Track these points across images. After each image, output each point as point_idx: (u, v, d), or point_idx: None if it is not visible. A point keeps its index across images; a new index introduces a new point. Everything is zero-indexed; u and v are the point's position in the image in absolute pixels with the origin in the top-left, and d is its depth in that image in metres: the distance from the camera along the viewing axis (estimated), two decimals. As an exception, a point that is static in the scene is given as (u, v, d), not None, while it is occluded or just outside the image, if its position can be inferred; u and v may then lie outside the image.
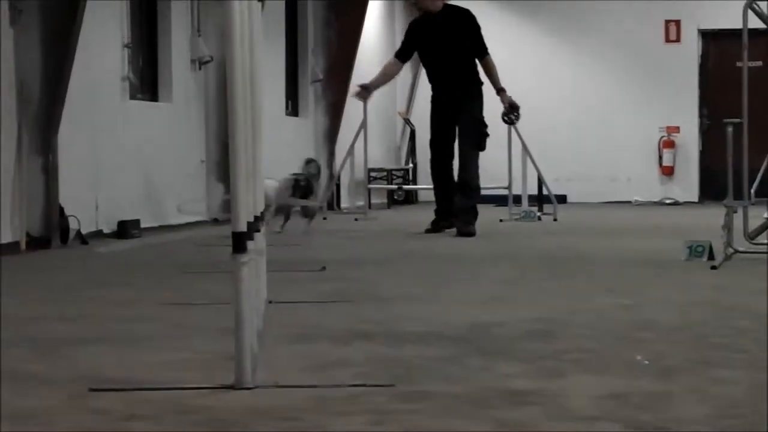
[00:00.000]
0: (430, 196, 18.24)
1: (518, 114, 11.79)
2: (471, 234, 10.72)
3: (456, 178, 11.30)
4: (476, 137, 10.99)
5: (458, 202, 11.03)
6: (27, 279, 7.75)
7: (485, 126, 11.11)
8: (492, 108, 11.54)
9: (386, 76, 12.03)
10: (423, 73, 20.08)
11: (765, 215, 9.31)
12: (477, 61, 11.20)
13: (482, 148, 11.07)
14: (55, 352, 4.54)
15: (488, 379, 3.91)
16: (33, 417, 3.37)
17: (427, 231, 11.26)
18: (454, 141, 11.18)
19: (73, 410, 3.46)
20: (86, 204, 10.78)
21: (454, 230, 10.92)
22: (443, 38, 11.11)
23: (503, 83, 11.29)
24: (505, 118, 12.05)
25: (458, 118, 11.06)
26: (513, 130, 13.61)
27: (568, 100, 19.74)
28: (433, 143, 11.40)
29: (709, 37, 19.90)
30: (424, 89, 20.08)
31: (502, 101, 11.44)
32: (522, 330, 5.05)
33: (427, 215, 11.58)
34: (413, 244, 10.52)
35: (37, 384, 3.85)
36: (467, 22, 11.22)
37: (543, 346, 4.64)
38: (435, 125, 11.36)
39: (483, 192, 11.54)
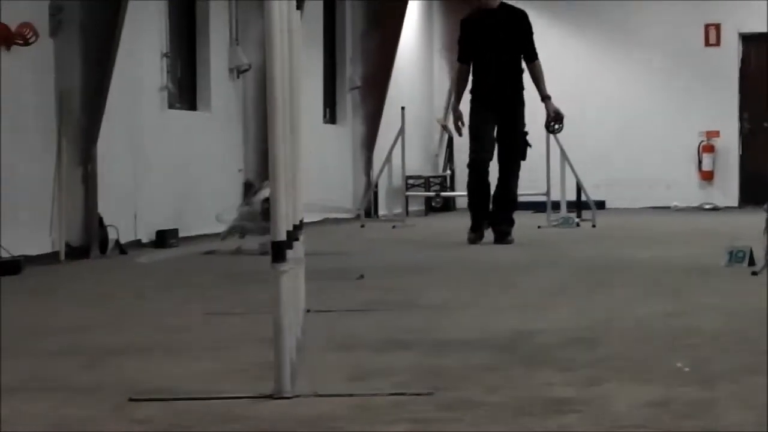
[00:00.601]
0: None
1: (562, 124, 11.40)
2: (510, 242, 10.67)
3: (495, 186, 10.97)
4: (519, 149, 10.82)
5: (498, 213, 10.86)
6: (67, 289, 7.79)
7: (527, 135, 10.93)
8: (532, 113, 11.24)
9: (462, 84, 11.28)
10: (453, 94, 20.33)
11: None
12: (524, 64, 10.96)
13: (524, 158, 10.93)
14: (96, 362, 4.56)
15: (530, 388, 3.90)
16: (76, 427, 3.38)
17: (471, 242, 10.90)
18: (494, 146, 10.90)
19: (116, 420, 3.47)
20: (125, 214, 10.83)
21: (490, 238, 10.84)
22: (497, 37, 10.80)
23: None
24: (549, 127, 11.61)
25: (502, 127, 10.82)
26: (552, 136, 13.51)
27: (607, 106, 19.68)
28: (477, 154, 10.90)
29: (749, 40, 19.79)
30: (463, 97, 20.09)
31: (547, 109, 11.14)
32: (563, 337, 5.03)
33: (465, 222, 11.51)
34: (452, 252, 10.50)
35: (80, 394, 3.86)
36: (522, 23, 10.97)
37: (584, 353, 4.61)
38: (479, 134, 10.87)
39: (521, 198, 11.48)
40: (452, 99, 11.40)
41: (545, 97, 10.99)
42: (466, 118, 11.08)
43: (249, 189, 8.85)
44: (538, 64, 10.92)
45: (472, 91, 11.01)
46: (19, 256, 8.80)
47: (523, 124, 10.90)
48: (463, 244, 11.12)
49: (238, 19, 13.33)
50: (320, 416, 3.45)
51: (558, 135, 13.43)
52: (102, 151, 10.24)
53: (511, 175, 10.83)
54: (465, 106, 11.14)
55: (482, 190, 10.95)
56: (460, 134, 11.34)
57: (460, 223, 15.42)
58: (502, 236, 10.73)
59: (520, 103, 10.88)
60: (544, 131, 12.87)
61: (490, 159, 10.89)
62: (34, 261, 9.10)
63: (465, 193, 17.72)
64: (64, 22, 9.93)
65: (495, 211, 10.89)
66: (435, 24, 20.60)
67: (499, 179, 10.91)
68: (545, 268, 8.72)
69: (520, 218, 11.36)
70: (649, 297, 6.65)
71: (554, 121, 11.30)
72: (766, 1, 18.02)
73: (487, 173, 10.88)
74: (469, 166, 11.09)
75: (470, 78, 11.05)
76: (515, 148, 10.78)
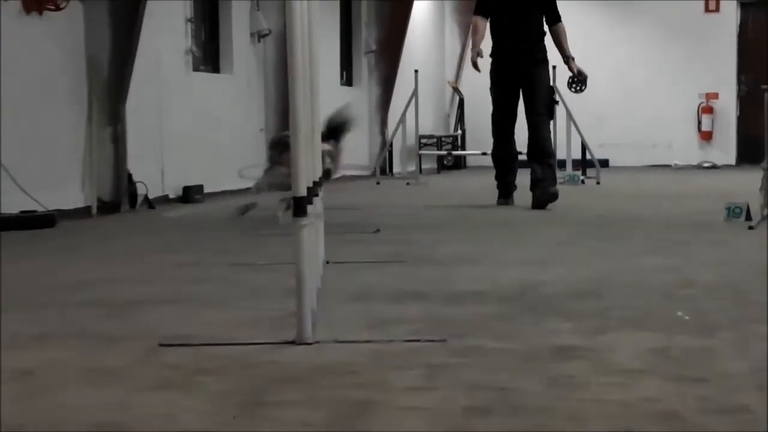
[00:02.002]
0: (478, 161, 18.32)
1: (586, 84, 10.91)
2: (556, 196, 9.94)
3: (528, 146, 10.20)
4: (549, 103, 10.28)
5: (539, 172, 9.98)
6: (99, 242, 7.82)
7: (554, 92, 10.48)
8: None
9: (480, 34, 10.39)
10: (470, 43, 20.23)
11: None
12: (547, 27, 10.31)
13: (551, 116, 10.49)
14: (128, 311, 4.58)
15: (537, 336, 3.91)
16: (111, 373, 3.40)
17: (501, 204, 10.36)
18: (517, 108, 10.24)
19: (147, 365, 3.49)
20: (153, 171, 10.87)
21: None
22: None
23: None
24: (572, 86, 11.17)
25: (528, 83, 10.12)
26: (558, 97, 13.31)
27: (611, 70, 19.62)
28: (499, 110, 10.25)
29: (747, 6, 19.75)
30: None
31: (570, 69, 10.58)
32: (569, 289, 5.04)
33: (475, 180, 11.49)
34: (463, 208, 10.49)
35: (114, 342, 3.89)
36: None
37: (589, 304, 4.62)
38: (500, 96, 10.23)
39: (524, 156, 10.88)
40: (470, 47, 10.61)
41: (568, 58, 10.41)
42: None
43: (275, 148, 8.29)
44: (562, 26, 10.32)
45: (492, 52, 10.33)
46: (53, 210, 8.84)
47: (549, 81, 10.38)
48: (474, 201, 11.11)
49: (259, -14, 13.30)
50: (339, 362, 3.47)
51: (564, 97, 13.39)
52: (130, 112, 10.25)
53: (541, 130, 10.11)
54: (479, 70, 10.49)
55: (508, 159, 10.36)
56: (477, 68, 10.29)
57: (470, 180, 15.43)
58: (545, 197, 9.86)
59: (543, 60, 10.21)
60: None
61: (513, 120, 10.24)
62: (67, 215, 9.15)
63: (475, 151, 17.78)
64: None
65: (533, 170, 10.02)
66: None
67: (530, 138, 10.17)
68: (551, 223, 8.71)
69: (528, 176, 10.53)
70: (651, 251, 6.65)
71: (578, 80, 10.87)
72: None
73: (512, 141, 10.34)
74: (494, 134, 10.40)
75: (490, 39, 10.38)
76: (541, 104, 10.12)
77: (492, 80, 10.29)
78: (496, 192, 10.64)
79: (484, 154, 15.94)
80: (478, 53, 10.26)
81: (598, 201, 11.20)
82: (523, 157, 10.44)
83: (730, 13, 19.85)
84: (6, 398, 3.09)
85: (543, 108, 10.14)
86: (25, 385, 3.25)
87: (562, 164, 14.52)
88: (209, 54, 12.71)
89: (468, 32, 20.74)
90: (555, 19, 10.30)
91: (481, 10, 10.42)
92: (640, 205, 10.63)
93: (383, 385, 3.17)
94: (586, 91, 11.32)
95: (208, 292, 5.14)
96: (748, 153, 18.74)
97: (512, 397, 3.01)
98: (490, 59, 10.30)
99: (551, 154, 10.32)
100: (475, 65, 10.27)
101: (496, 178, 10.49)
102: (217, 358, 3.57)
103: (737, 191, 10.39)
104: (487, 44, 10.43)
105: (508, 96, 10.16)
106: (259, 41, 13.32)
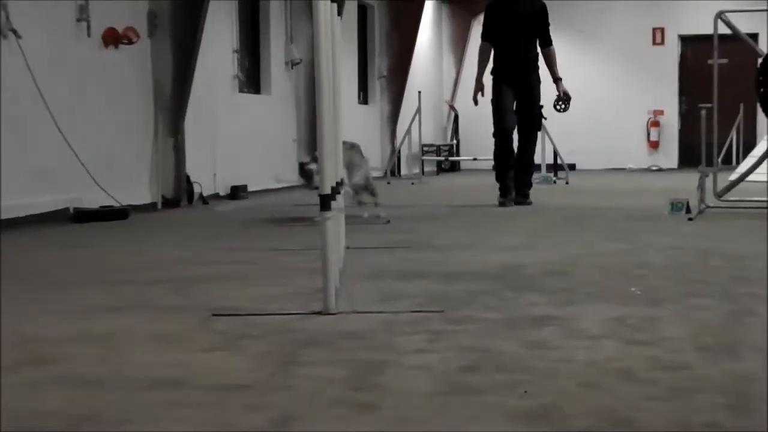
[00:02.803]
0: (470, 165, 18.29)
1: (569, 104, 10.17)
2: (529, 204, 9.71)
3: (516, 154, 9.81)
4: (538, 122, 9.90)
5: (519, 179, 9.75)
6: (162, 232, 7.83)
7: (542, 108, 9.99)
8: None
9: (485, 61, 9.83)
10: (466, 65, 20.16)
11: (730, 178, 9.21)
12: (539, 49, 9.80)
13: (539, 129, 10.06)
14: (187, 287, 4.59)
15: (517, 307, 3.90)
16: (172, 337, 3.41)
17: (502, 205, 9.62)
18: (515, 118, 9.67)
19: (201, 331, 3.50)
20: (206, 173, 10.88)
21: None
22: (519, 22, 9.63)
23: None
24: (558, 105, 10.31)
25: (524, 101, 9.65)
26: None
27: (578, 90, 19.39)
28: (501, 124, 9.67)
29: (686, 40, 19.67)
30: (465, 80, 19.98)
31: (558, 89, 10.05)
32: (544, 269, 5.03)
33: (468, 180, 11.45)
34: (458, 204, 10.48)
35: (175, 312, 3.89)
36: (542, 12, 9.75)
37: (560, 281, 4.62)
38: (501, 106, 9.66)
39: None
40: (476, 72, 9.85)
41: (557, 79, 9.93)
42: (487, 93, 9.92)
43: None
44: (552, 49, 9.83)
45: (493, 71, 9.79)
46: (126, 205, 8.85)
47: (539, 99, 9.82)
48: (467, 197, 11.08)
49: (292, 24, 13.29)
50: (357, 329, 3.47)
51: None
52: (188, 126, 10.26)
53: (530, 143, 9.79)
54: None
55: (507, 157, 9.75)
56: (476, 103, 9.82)
57: (464, 180, 15.40)
58: (522, 198, 9.74)
59: (537, 81, 9.72)
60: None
61: (513, 128, 9.70)
62: (138, 209, 9.15)
63: (467, 157, 17.75)
64: (159, 25, 9.92)
65: (515, 176, 9.77)
66: (444, 26, 20.47)
67: (519, 148, 9.82)
68: (529, 216, 8.69)
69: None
70: (610, 238, 6.64)
71: (563, 100, 10.21)
72: (701, 9, 17.83)
73: (511, 141, 9.73)
74: (495, 135, 9.73)
75: (492, 57, 9.84)
76: (533, 119, 9.73)
77: (493, 94, 9.76)
78: (486, 190, 10.50)
79: (474, 159, 16.00)
80: (480, 89, 9.78)
81: (567, 198, 11.17)
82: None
83: (673, 46, 19.79)
84: (90, 357, 3.10)
85: (534, 123, 9.78)
86: (105, 346, 3.26)
87: (537, 168, 14.48)
88: (251, 78, 12.71)
89: (461, 60, 20.78)
90: (547, 42, 9.80)
91: (487, 37, 9.85)
92: (601, 200, 10.61)
93: (393, 347, 3.18)
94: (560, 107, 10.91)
95: (251, 272, 5.14)
96: (688, 158, 18.75)
97: (497, 357, 3.01)
98: (491, 77, 9.85)
99: (532, 165, 9.95)
100: (476, 100, 9.83)
101: (497, 179, 9.85)
102: (257, 325, 3.57)
103: (679, 189, 10.36)
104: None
105: (507, 109, 9.66)
106: (292, 68, 13.31)
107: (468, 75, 20.05)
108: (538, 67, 9.76)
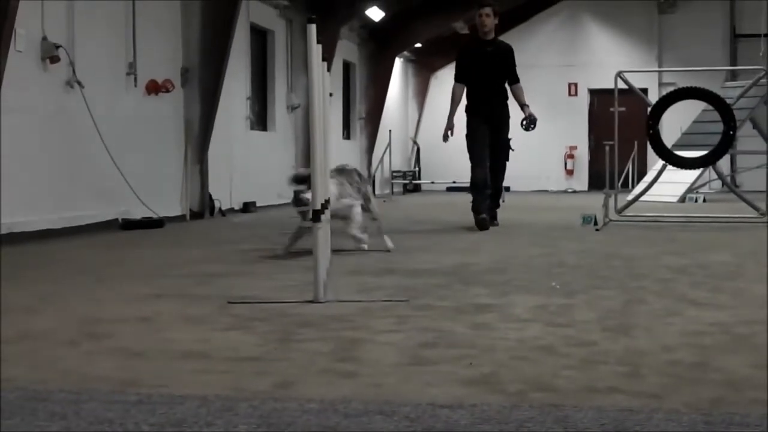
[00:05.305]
0: (429, 187, 18.30)
1: (535, 125, 8.68)
2: (496, 225, 8.55)
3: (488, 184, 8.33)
4: (508, 154, 8.68)
5: (490, 205, 8.49)
6: (190, 237, 7.80)
7: (510, 140, 8.76)
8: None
9: (457, 101, 8.41)
10: (426, 110, 20.20)
11: (627, 198, 9.26)
12: (508, 86, 8.54)
13: (507, 159, 8.76)
14: (209, 280, 4.57)
15: (465, 297, 3.91)
16: (198, 319, 3.39)
17: (481, 228, 8.07)
18: (488, 159, 8.31)
19: (220, 315, 3.48)
20: (224, 191, 10.82)
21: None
22: (490, 64, 8.35)
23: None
24: (524, 124, 8.61)
25: (496, 136, 8.39)
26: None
27: (513, 130, 19.61)
28: (478, 156, 8.25)
29: (594, 93, 19.82)
30: (426, 121, 19.99)
31: (525, 113, 8.51)
32: (485, 268, 5.04)
33: (428, 199, 11.36)
34: (421, 218, 10.48)
35: (200, 300, 3.87)
36: (509, 54, 8.47)
37: (498, 277, 4.63)
38: (477, 140, 8.29)
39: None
40: (449, 110, 8.33)
41: (524, 105, 8.49)
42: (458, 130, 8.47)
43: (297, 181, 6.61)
44: (519, 85, 8.59)
45: (467, 108, 8.44)
46: (162, 216, 8.80)
47: (508, 132, 8.60)
48: (428, 212, 11.06)
49: (292, 76, 13.27)
50: (341, 314, 3.46)
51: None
52: (211, 155, 10.22)
53: (500, 173, 8.50)
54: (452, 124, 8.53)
55: (484, 202, 8.26)
56: (445, 140, 8.37)
57: (424, 199, 15.38)
58: (492, 219, 8.47)
59: (507, 116, 8.47)
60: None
61: (487, 165, 8.29)
62: (171, 220, 9.10)
63: (426, 181, 17.77)
64: (189, 78, 9.89)
65: (488, 202, 8.43)
66: (409, 80, 20.49)
67: (493, 177, 8.40)
68: (474, 228, 8.65)
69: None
70: (535, 243, 6.67)
71: (529, 121, 8.70)
72: (606, 69, 17.98)
73: (487, 187, 8.25)
74: (472, 184, 8.23)
75: (464, 97, 8.50)
76: (504, 151, 8.61)
77: (468, 132, 8.36)
78: (442, 207, 10.26)
79: (432, 182, 16.00)
80: (450, 128, 8.31)
81: (504, 213, 11.14)
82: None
83: (584, 97, 19.89)
84: (134, 333, 3.07)
85: (504, 154, 8.62)
86: (145, 326, 3.24)
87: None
88: (260, 119, 12.67)
89: (422, 106, 20.79)
90: (515, 80, 8.60)
91: (460, 78, 8.44)
92: (528, 215, 10.63)
93: (368, 328, 3.17)
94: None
95: (258, 268, 5.13)
96: (595, 183, 18.88)
97: (449, 336, 3.01)
98: (465, 114, 8.50)
99: (501, 191, 8.72)
100: (446, 137, 8.43)
101: (473, 209, 8.26)
102: (264, 310, 3.56)
103: (588, 207, 10.40)
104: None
105: (481, 155, 8.26)
106: (291, 111, 13.28)
107: (427, 117, 20.12)
108: (507, 104, 8.58)
